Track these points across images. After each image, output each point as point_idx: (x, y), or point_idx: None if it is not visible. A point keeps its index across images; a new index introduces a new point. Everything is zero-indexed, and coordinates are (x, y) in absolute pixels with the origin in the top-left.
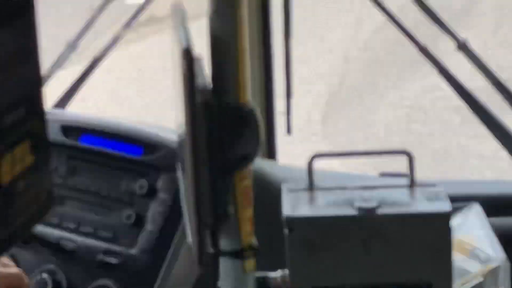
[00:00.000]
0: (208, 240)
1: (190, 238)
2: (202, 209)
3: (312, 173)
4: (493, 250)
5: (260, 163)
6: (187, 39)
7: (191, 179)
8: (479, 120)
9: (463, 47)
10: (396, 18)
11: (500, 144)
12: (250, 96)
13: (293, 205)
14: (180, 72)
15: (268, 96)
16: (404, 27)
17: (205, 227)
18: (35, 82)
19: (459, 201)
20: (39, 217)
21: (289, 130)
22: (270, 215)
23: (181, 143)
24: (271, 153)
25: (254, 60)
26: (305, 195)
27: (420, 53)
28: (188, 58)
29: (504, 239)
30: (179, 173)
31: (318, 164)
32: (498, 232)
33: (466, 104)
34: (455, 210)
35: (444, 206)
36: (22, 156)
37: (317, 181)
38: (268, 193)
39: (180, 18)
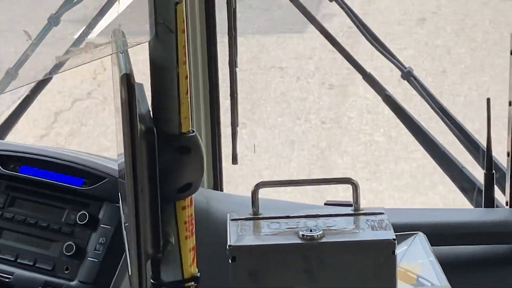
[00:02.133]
0: (149, 271)
1: (130, 269)
2: (143, 239)
3: (257, 202)
4: (437, 279)
5: (204, 192)
6: (127, 64)
7: (131, 208)
8: (424, 147)
9: (407, 75)
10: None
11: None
12: (192, 124)
13: (237, 234)
14: (120, 98)
15: (214, 124)
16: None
17: (146, 258)
18: None
19: (404, 229)
20: None
21: (234, 160)
22: (214, 244)
23: (121, 172)
24: (216, 183)
25: (199, 89)
26: (249, 224)
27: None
28: (128, 84)
29: (448, 267)
30: (121, 203)
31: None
32: (442, 260)
33: (412, 134)
34: (400, 238)
35: (388, 234)
36: None
37: (262, 209)
38: (212, 222)
39: (120, 42)
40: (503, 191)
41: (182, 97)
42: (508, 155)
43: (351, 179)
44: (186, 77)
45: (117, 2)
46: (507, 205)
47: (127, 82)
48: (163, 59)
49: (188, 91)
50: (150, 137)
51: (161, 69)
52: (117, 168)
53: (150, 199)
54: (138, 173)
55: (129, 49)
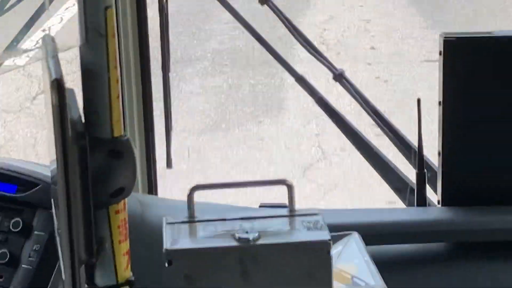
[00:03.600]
0: (83, 276)
1: (64, 275)
2: (76, 244)
3: (192, 205)
4: (373, 279)
5: (138, 197)
6: (58, 69)
7: (63, 214)
8: (357, 148)
9: (339, 78)
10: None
11: (379, 173)
12: (125, 128)
13: (173, 238)
14: (51, 103)
15: (147, 128)
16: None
17: (79, 263)
18: None
19: (339, 230)
20: None
21: (169, 164)
22: (150, 248)
23: (54, 178)
24: (151, 187)
25: (133, 94)
26: (185, 228)
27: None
28: (58, 89)
29: (383, 267)
30: (53, 209)
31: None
32: (377, 260)
33: (345, 135)
34: (335, 239)
35: (324, 235)
36: None
37: (198, 213)
38: (147, 226)
39: (50, 48)
40: (435, 190)
41: (113, 102)
42: (439, 154)
43: (286, 180)
44: (117, 81)
45: (47, 8)
46: (438, 203)
47: (58, 87)
48: (93, 64)
49: (120, 95)
50: (81, 142)
51: (92, 74)
52: (50, 175)
53: (83, 204)
54: (70, 179)
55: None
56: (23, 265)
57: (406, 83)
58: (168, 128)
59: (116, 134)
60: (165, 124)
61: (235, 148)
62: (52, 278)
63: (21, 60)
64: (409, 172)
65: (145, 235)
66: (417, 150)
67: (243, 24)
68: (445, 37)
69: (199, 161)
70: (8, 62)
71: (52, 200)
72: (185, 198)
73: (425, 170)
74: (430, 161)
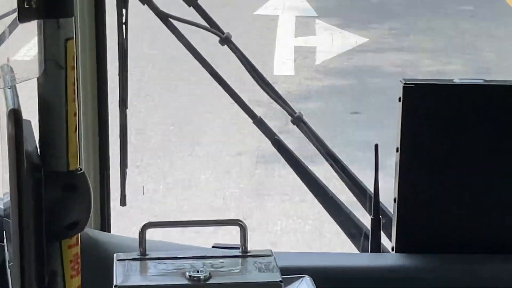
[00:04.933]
0: None
1: None
2: (27, 278)
3: (144, 243)
4: None
5: (92, 233)
6: (15, 100)
7: (16, 247)
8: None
9: (297, 121)
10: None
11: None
12: (81, 162)
13: (124, 275)
14: (7, 134)
15: (103, 164)
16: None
17: None
18: None
19: (291, 272)
20: None
21: (123, 202)
22: (101, 284)
23: (6, 210)
24: (104, 224)
25: (89, 127)
26: (136, 265)
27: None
28: (15, 120)
29: None
30: (5, 242)
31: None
32: None
33: (300, 178)
34: (286, 281)
35: (275, 276)
36: None
37: (150, 251)
38: (99, 262)
39: (8, 78)
40: (389, 237)
41: (70, 135)
42: (394, 201)
43: (239, 220)
44: (75, 114)
45: (6, 37)
46: (393, 250)
47: (15, 118)
48: (51, 96)
49: (77, 128)
50: (36, 175)
51: (50, 106)
52: (2, 207)
53: (36, 237)
54: (24, 211)
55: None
56: None
57: None
58: (123, 165)
59: (72, 167)
60: (120, 161)
61: None
62: None
63: None
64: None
65: (97, 271)
66: (372, 195)
67: (202, 64)
68: (404, 83)
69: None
70: None
71: (4, 232)
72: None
73: (380, 216)
74: (385, 207)
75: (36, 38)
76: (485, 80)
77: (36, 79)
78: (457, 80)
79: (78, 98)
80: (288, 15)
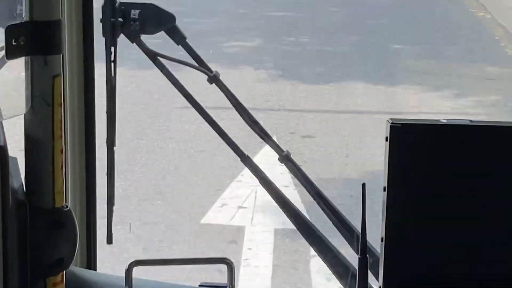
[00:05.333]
0: None
1: None
2: None
3: (131, 281)
4: None
5: (77, 270)
6: (2, 136)
7: (0, 283)
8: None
9: (285, 159)
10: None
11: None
12: (67, 199)
13: None
14: None
15: (89, 201)
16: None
17: None
18: None
19: None
20: None
21: (109, 240)
22: None
23: None
24: (90, 261)
25: (76, 165)
26: None
27: None
28: (1, 157)
29: None
30: None
31: None
32: None
33: (288, 216)
34: None
35: None
36: None
37: None
38: None
39: None
40: (376, 277)
41: (56, 172)
42: (382, 240)
43: (226, 259)
44: (62, 151)
45: None
46: None
47: (1, 155)
48: (38, 132)
49: (63, 165)
50: (22, 212)
51: (36, 142)
52: None
53: (20, 275)
54: (9, 248)
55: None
56: None
57: None
58: (110, 203)
59: (57, 204)
60: (107, 199)
61: None
62: None
63: None
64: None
65: None
66: (360, 234)
67: (190, 102)
68: (391, 123)
69: None
70: None
71: None
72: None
73: (368, 256)
74: (372, 246)
75: (23, 74)
76: (471, 121)
77: (23, 116)
78: (443, 120)
79: (65, 135)
80: None
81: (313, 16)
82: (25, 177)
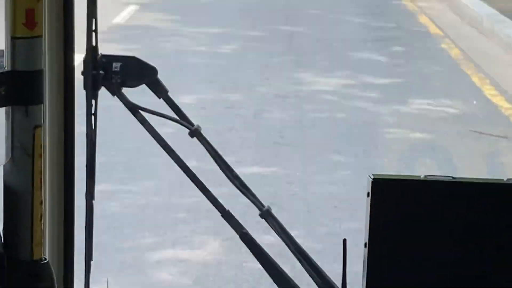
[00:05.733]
0: None
1: None
2: None
3: None
4: None
5: None
6: None
7: None
8: None
9: (266, 214)
10: None
11: None
12: (45, 251)
13: None
14: None
15: (67, 254)
16: None
17: None
18: None
19: None
20: None
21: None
22: None
23: None
24: None
25: (55, 217)
26: None
27: None
28: None
29: None
30: None
31: None
32: None
33: (269, 274)
34: None
35: None
36: None
37: None
38: None
39: None
40: None
41: (35, 223)
42: None
43: None
44: (41, 203)
45: None
46: None
47: None
48: (18, 184)
49: (42, 217)
50: None
51: (16, 194)
52: None
53: None
54: None
55: None
56: None
57: None
58: (88, 257)
59: (36, 257)
60: (85, 252)
61: None
62: None
63: None
64: None
65: None
66: None
67: (171, 156)
68: (373, 178)
69: None
70: None
71: None
72: None
73: None
74: None
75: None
76: (453, 177)
77: (2, 167)
78: (424, 176)
79: (44, 187)
80: None
81: None
82: (3, 229)
